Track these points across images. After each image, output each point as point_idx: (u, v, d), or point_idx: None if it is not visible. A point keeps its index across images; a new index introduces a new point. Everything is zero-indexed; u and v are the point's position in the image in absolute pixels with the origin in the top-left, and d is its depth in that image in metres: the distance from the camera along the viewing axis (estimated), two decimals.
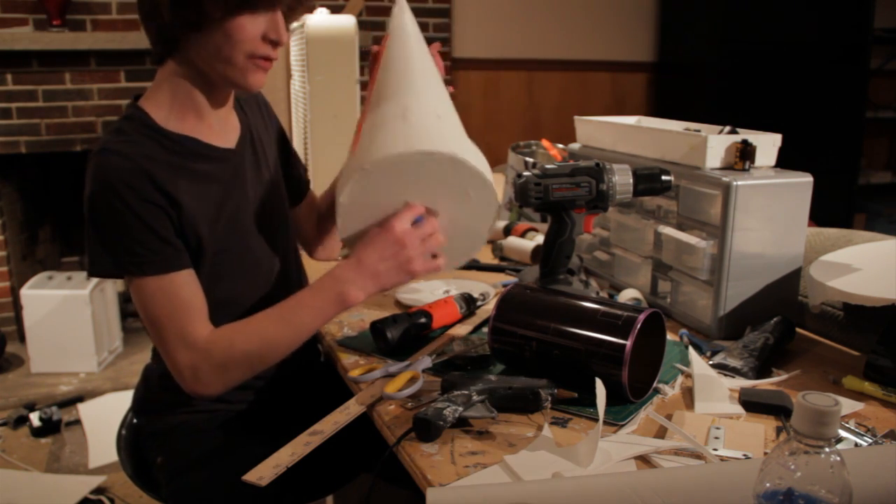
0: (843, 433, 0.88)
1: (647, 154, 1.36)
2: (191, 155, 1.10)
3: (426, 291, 1.40)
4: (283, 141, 1.32)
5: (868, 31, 3.86)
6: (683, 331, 1.22)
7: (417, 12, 4.04)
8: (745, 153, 1.19)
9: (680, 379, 1.06)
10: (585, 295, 1.12)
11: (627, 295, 1.33)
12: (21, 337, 3.09)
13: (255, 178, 1.19)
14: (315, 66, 1.90)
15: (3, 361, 3.00)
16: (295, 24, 2.10)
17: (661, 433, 0.90)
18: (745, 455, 0.84)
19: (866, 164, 4.41)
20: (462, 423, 0.91)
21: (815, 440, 0.56)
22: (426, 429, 0.87)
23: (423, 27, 3.58)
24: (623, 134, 1.45)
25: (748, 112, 3.66)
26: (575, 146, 1.57)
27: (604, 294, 1.34)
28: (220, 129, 1.15)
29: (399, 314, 1.18)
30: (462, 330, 1.23)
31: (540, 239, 1.62)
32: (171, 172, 1.05)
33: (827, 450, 0.56)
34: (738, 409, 0.96)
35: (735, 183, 1.14)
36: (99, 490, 2.21)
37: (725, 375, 1.06)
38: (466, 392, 0.91)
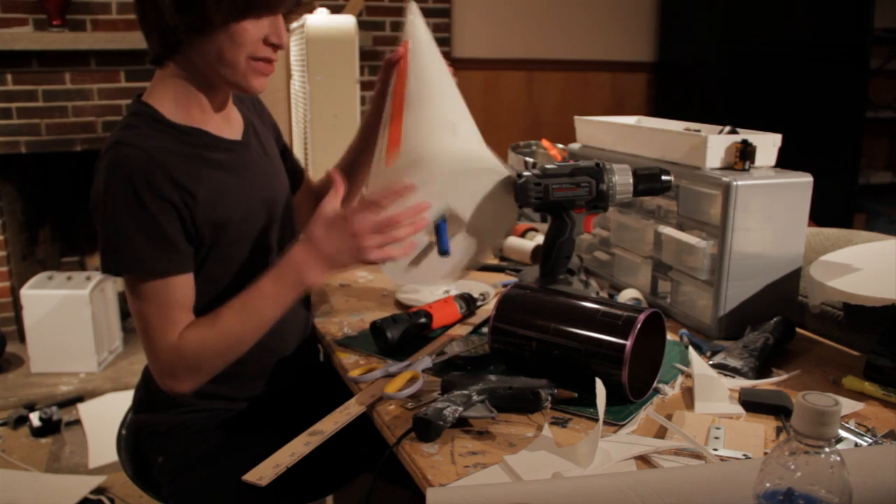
0: (843, 433, 0.88)
1: (647, 154, 1.36)
2: (203, 145, 1.11)
3: (426, 291, 1.40)
4: (277, 133, 1.34)
5: (868, 31, 3.86)
6: (683, 331, 1.22)
7: None
8: (745, 153, 1.19)
9: (680, 379, 1.06)
10: (585, 295, 1.12)
11: (627, 295, 1.33)
12: (21, 337, 3.09)
13: (260, 167, 1.21)
14: (315, 66, 1.90)
15: (3, 361, 3.00)
16: (295, 24, 2.10)
17: (661, 433, 0.90)
18: (745, 455, 0.84)
19: (866, 164, 4.40)
20: (462, 423, 0.91)
21: (815, 440, 0.56)
22: (426, 429, 0.87)
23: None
24: (623, 134, 1.45)
25: (748, 112, 3.66)
26: (575, 146, 1.57)
27: (604, 294, 1.34)
28: (225, 122, 1.17)
29: (399, 314, 1.18)
30: (462, 330, 1.23)
31: (540, 239, 1.62)
32: (186, 163, 1.06)
33: (827, 450, 0.56)
34: (738, 409, 0.96)
35: (735, 183, 1.14)
36: (99, 490, 2.21)
37: (725, 375, 1.06)
38: (466, 392, 0.91)
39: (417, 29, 1.13)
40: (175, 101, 1.10)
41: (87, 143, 3.07)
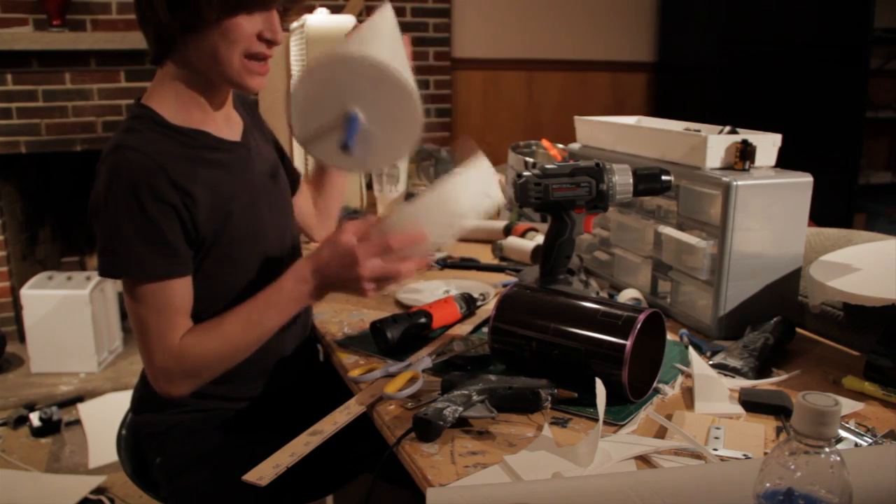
0: (843, 433, 0.88)
1: (647, 154, 1.36)
2: (204, 147, 1.11)
3: (426, 291, 1.40)
4: (272, 136, 1.34)
5: (868, 31, 3.86)
6: (683, 331, 1.22)
7: (417, 12, 4.02)
8: (745, 153, 1.19)
9: (680, 379, 1.06)
10: (585, 295, 1.12)
11: (627, 295, 1.33)
12: (21, 337, 3.09)
13: (260, 168, 1.21)
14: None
15: (3, 361, 3.00)
16: (295, 24, 2.10)
17: (661, 433, 0.90)
18: (745, 455, 0.84)
19: (866, 164, 4.40)
20: (462, 423, 0.91)
21: (815, 440, 0.56)
22: (426, 429, 0.87)
23: (423, 27, 3.60)
24: (623, 134, 1.45)
25: (748, 112, 3.66)
26: (575, 146, 1.57)
27: (604, 294, 1.34)
28: (225, 123, 1.18)
29: (399, 314, 1.18)
30: (462, 330, 1.23)
31: (540, 239, 1.62)
32: (187, 165, 1.06)
33: (827, 450, 0.56)
34: (738, 409, 0.96)
35: (735, 183, 1.14)
36: (99, 490, 2.21)
37: (725, 375, 1.06)
38: (466, 392, 0.91)
39: (385, 13, 1.15)
40: (175, 103, 1.10)
41: (87, 143, 3.07)
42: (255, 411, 1.22)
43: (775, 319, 1.15)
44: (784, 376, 1.06)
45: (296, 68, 2.11)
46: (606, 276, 1.49)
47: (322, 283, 1.07)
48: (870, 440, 0.87)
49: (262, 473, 0.87)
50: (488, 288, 1.40)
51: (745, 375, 1.05)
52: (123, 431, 1.34)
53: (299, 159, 2.16)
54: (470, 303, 1.27)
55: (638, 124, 1.50)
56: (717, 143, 1.21)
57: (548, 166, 1.13)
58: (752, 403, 0.96)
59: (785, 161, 1.24)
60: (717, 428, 0.90)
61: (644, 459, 0.84)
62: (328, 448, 0.96)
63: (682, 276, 1.27)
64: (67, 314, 2.85)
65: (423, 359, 1.07)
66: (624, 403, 0.96)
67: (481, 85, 3.81)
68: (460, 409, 0.89)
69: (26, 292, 2.85)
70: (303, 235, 1.42)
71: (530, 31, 3.84)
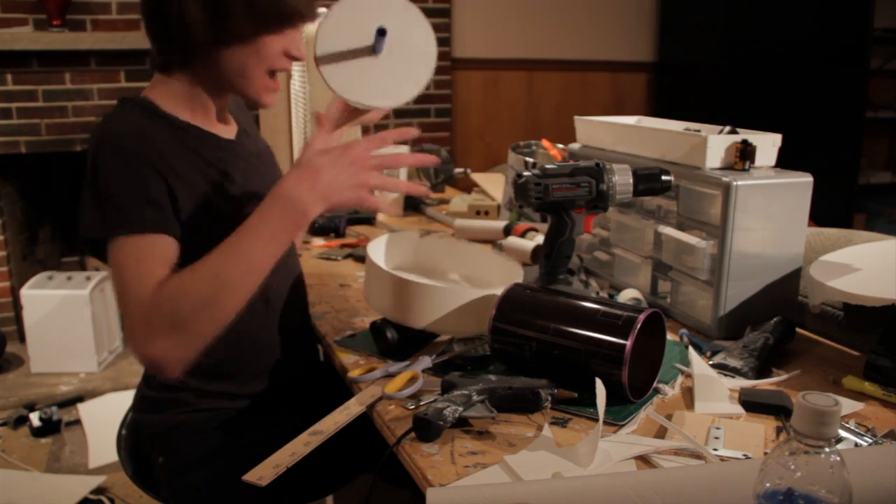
0: (843, 433, 0.88)
1: (647, 154, 1.36)
2: (197, 141, 1.12)
3: None
4: (261, 138, 1.35)
5: (868, 31, 3.86)
6: (683, 331, 1.22)
7: None
8: (745, 153, 1.19)
9: (680, 379, 1.06)
10: (585, 295, 1.12)
11: (627, 295, 1.33)
12: (21, 337, 3.09)
13: (253, 167, 1.21)
14: (315, 66, 1.90)
15: (3, 361, 3.00)
16: None
17: (661, 433, 0.90)
18: (745, 455, 0.84)
19: (866, 164, 4.40)
20: (462, 423, 0.91)
21: (815, 440, 0.56)
22: (426, 429, 0.87)
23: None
24: (623, 134, 1.45)
25: (748, 112, 3.66)
26: (575, 146, 1.57)
27: (604, 294, 1.34)
28: (221, 123, 1.19)
29: None
30: None
31: (540, 239, 1.62)
32: (175, 151, 1.07)
33: (827, 450, 0.56)
34: (738, 409, 0.96)
35: (735, 183, 1.14)
36: (99, 490, 2.21)
37: (725, 375, 1.06)
38: (466, 392, 0.91)
39: None
40: (176, 101, 1.11)
41: (87, 143, 3.06)
42: (256, 411, 1.22)
43: (775, 319, 1.15)
44: (784, 376, 1.06)
45: (296, 68, 2.12)
46: (606, 276, 1.49)
47: (315, 189, 0.97)
48: (870, 440, 0.87)
49: (262, 473, 0.87)
50: None
51: (745, 375, 1.05)
52: (123, 431, 1.34)
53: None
54: None
55: (638, 124, 1.50)
56: (717, 143, 1.21)
57: (548, 166, 1.13)
58: (752, 403, 0.96)
59: (785, 161, 1.24)
60: (717, 428, 0.90)
61: (644, 459, 0.84)
62: (328, 448, 0.96)
63: (682, 276, 1.27)
64: (67, 314, 2.85)
65: (423, 359, 1.07)
66: (624, 403, 0.96)
67: (481, 85, 3.81)
68: (460, 409, 0.89)
69: (26, 292, 2.85)
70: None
71: (530, 31, 3.84)
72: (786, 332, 1.15)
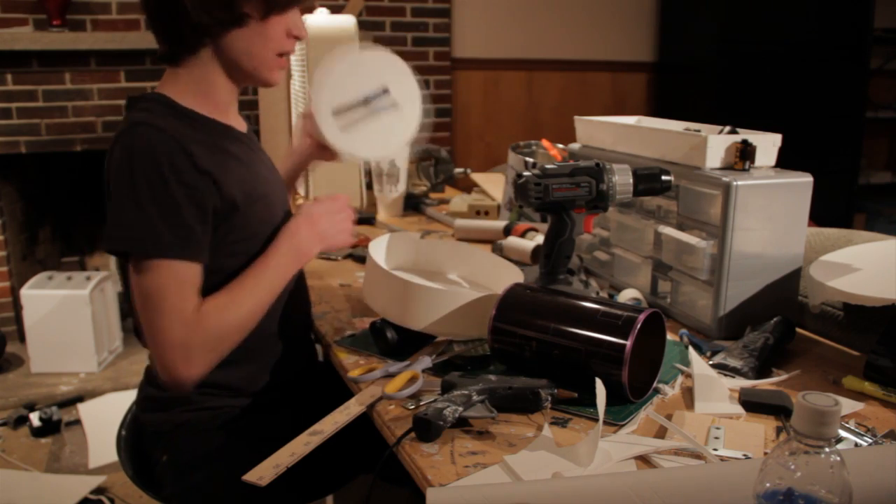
0: (843, 433, 0.88)
1: (647, 154, 1.36)
2: (218, 134, 1.14)
3: None
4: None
5: (868, 31, 3.86)
6: (683, 331, 1.22)
7: (417, 12, 4.02)
8: (745, 153, 1.19)
9: (680, 379, 1.06)
10: (585, 295, 1.12)
11: (627, 295, 1.33)
12: (21, 337, 3.09)
13: (262, 160, 1.24)
14: (315, 66, 1.90)
15: (3, 361, 3.00)
16: None
17: (661, 433, 0.90)
18: (745, 455, 0.84)
19: (866, 164, 4.40)
20: (462, 423, 0.91)
21: (815, 440, 0.56)
22: (426, 429, 0.87)
23: (423, 27, 3.60)
24: (623, 134, 1.45)
25: (748, 112, 3.66)
26: (575, 146, 1.57)
27: (604, 294, 1.34)
28: (235, 118, 1.21)
29: None
30: None
31: (540, 239, 1.62)
32: (205, 148, 1.08)
33: (827, 450, 0.56)
34: (738, 409, 0.96)
35: (735, 183, 1.14)
36: (99, 490, 2.21)
37: (725, 375, 1.06)
38: (466, 392, 0.91)
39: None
40: (189, 93, 1.13)
41: (87, 143, 3.07)
42: (257, 410, 1.22)
43: (775, 319, 1.15)
44: (784, 376, 1.06)
45: (295, 68, 2.11)
46: (606, 276, 1.49)
47: (315, 236, 1.16)
48: (870, 440, 0.87)
49: (262, 473, 0.87)
50: None
51: (745, 375, 1.05)
52: (123, 431, 1.33)
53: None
54: None
55: (638, 124, 1.50)
56: (717, 143, 1.21)
57: (548, 166, 1.13)
58: (752, 403, 0.96)
59: (785, 161, 1.24)
60: (717, 428, 0.90)
61: (644, 459, 0.84)
62: (328, 448, 0.96)
63: (682, 276, 1.27)
64: (67, 314, 2.85)
65: (423, 359, 1.07)
66: (624, 403, 0.96)
67: (481, 85, 3.81)
68: (460, 409, 0.89)
69: (26, 292, 2.85)
70: None
71: (530, 31, 3.84)
72: (786, 332, 1.15)
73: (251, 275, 1.10)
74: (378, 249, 1.31)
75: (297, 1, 1.11)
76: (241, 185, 1.11)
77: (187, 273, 1.04)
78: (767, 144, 1.22)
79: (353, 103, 1.26)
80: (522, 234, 1.69)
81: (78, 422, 2.64)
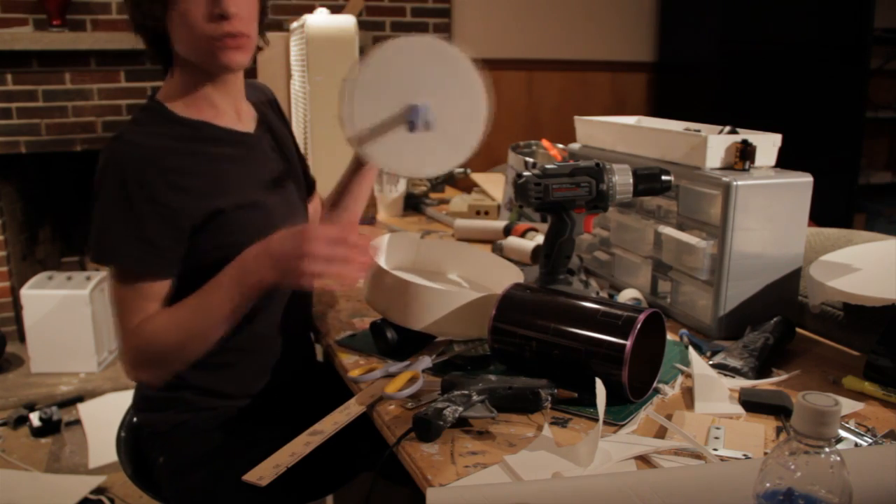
0: (843, 433, 0.88)
1: (647, 154, 1.36)
2: (208, 139, 1.13)
3: None
4: (294, 138, 1.36)
5: (868, 31, 3.86)
6: (683, 331, 1.22)
7: (417, 12, 4.01)
8: (745, 153, 1.19)
9: (680, 379, 1.06)
10: (585, 295, 1.12)
11: (627, 295, 1.33)
12: (21, 337, 3.09)
13: (275, 163, 1.22)
14: (315, 66, 1.90)
15: (3, 361, 3.00)
16: (295, 24, 2.10)
17: (661, 433, 0.90)
18: (745, 455, 0.84)
19: (866, 164, 4.40)
20: (462, 423, 0.91)
21: (815, 440, 0.56)
22: (426, 429, 0.87)
23: (423, 27, 3.59)
24: (623, 134, 1.45)
25: (748, 112, 3.66)
26: (575, 146, 1.57)
27: (604, 294, 1.34)
28: (235, 115, 1.19)
29: None
30: None
31: (540, 239, 1.62)
32: (183, 159, 1.08)
33: (827, 450, 0.56)
34: (738, 409, 0.96)
35: (735, 183, 1.14)
36: (99, 490, 2.21)
37: (725, 375, 1.06)
38: (466, 392, 0.91)
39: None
40: (183, 97, 1.13)
41: (87, 143, 3.07)
42: (256, 411, 1.22)
43: (775, 319, 1.15)
44: (784, 376, 1.06)
45: (296, 68, 2.11)
46: (606, 276, 1.49)
47: (266, 262, 1.02)
48: (870, 440, 0.87)
49: (263, 473, 0.87)
50: None
51: (745, 375, 1.05)
52: (123, 433, 1.33)
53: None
54: None
55: (638, 124, 1.50)
56: (717, 143, 1.21)
57: (548, 166, 1.13)
58: (752, 403, 0.96)
59: (785, 161, 1.24)
60: (717, 428, 0.90)
61: (644, 459, 0.84)
62: (328, 448, 0.96)
63: (682, 276, 1.27)
64: (67, 314, 2.85)
65: (423, 359, 1.07)
66: (624, 403, 0.96)
67: None
68: (460, 409, 0.89)
69: (26, 292, 2.85)
70: None
71: (530, 31, 3.84)
72: (786, 332, 1.15)
73: (196, 294, 1.07)
74: (378, 249, 1.31)
75: None
76: (227, 193, 1.11)
77: (142, 288, 1.07)
78: (767, 144, 1.22)
79: (386, 118, 1.10)
80: (522, 234, 1.69)
81: (78, 422, 2.64)
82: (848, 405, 0.97)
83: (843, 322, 1.23)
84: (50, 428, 2.56)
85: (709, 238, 1.20)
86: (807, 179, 1.19)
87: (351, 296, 1.43)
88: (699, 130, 1.33)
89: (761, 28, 3.71)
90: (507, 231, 1.75)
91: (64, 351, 2.89)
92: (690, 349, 1.12)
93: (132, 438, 1.31)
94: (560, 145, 2.00)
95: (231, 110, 1.18)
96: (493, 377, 0.96)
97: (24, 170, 3.23)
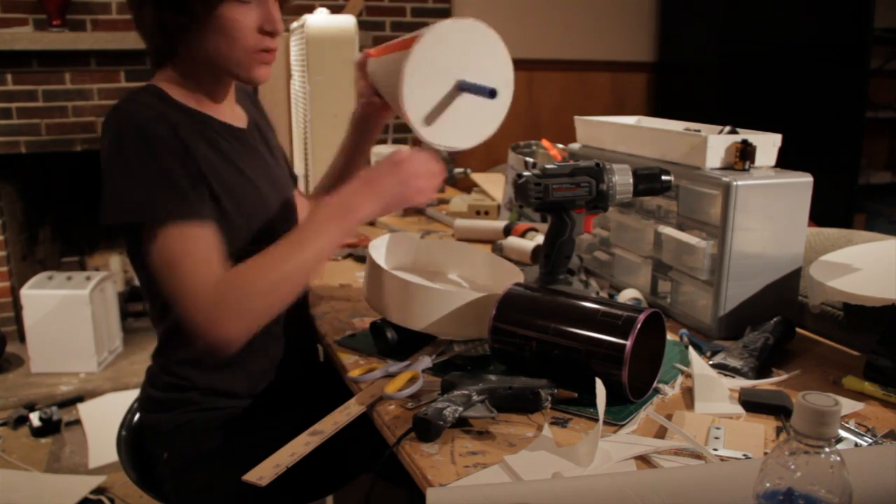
0: (843, 433, 0.88)
1: (647, 154, 1.36)
2: (209, 128, 1.13)
3: None
4: (275, 131, 1.36)
5: (868, 31, 3.86)
6: (683, 331, 1.22)
7: (417, 12, 4.02)
8: (745, 153, 1.19)
9: (680, 379, 1.06)
10: (585, 295, 1.12)
11: (627, 295, 1.33)
12: (21, 337, 3.09)
13: (263, 158, 1.22)
14: (315, 66, 1.90)
15: (3, 361, 3.00)
16: (295, 24, 2.10)
17: (661, 433, 0.90)
18: (745, 455, 0.84)
19: (866, 164, 4.40)
20: (462, 423, 0.91)
21: (815, 440, 0.56)
22: (426, 429, 0.87)
23: (423, 27, 3.59)
24: (623, 134, 1.45)
25: (748, 112, 3.66)
26: (575, 146, 1.57)
27: (604, 294, 1.34)
28: (230, 113, 1.20)
29: None
30: None
31: (540, 239, 1.62)
32: (192, 133, 1.08)
33: (827, 450, 0.56)
34: (738, 409, 0.96)
35: (735, 183, 1.14)
36: (99, 490, 2.21)
37: (725, 375, 1.06)
38: (466, 392, 0.91)
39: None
40: (179, 88, 1.13)
41: (87, 143, 3.07)
42: (257, 411, 1.22)
43: (775, 319, 1.15)
44: (784, 376, 1.06)
45: (296, 68, 2.11)
46: (606, 276, 1.49)
47: (370, 196, 1.08)
48: (870, 440, 0.87)
49: (263, 473, 0.87)
50: None
51: (745, 375, 1.05)
52: (123, 432, 1.33)
53: (299, 157, 2.16)
54: None
55: (638, 124, 1.50)
56: (717, 143, 1.21)
57: (548, 166, 1.13)
58: (752, 403, 0.96)
59: (785, 161, 1.24)
60: (717, 428, 0.90)
61: (644, 459, 0.84)
62: (328, 448, 0.96)
63: (682, 276, 1.27)
64: (67, 314, 2.85)
65: (423, 359, 1.07)
66: (624, 403, 0.96)
67: None
68: (460, 409, 0.89)
69: (26, 292, 2.85)
70: None
71: (530, 31, 3.84)
72: (786, 332, 1.15)
73: (289, 235, 1.05)
74: (378, 249, 1.31)
75: None
76: (220, 181, 1.10)
77: (205, 233, 1.03)
78: (767, 144, 1.22)
79: (438, 97, 1.16)
80: (522, 234, 1.69)
81: (78, 422, 2.64)
82: (848, 405, 0.97)
83: (843, 322, 1.23)
84: (50, 428, 2.56)
85: (709, 238, 1.20)
86: (807, 179, 1.19)
87: (351, 296, 1.43)
88: (699, 130, 1.33)
89: (761, 28, 3.71)
90: (507, 231, 1.75)
91: (64, 351, 2.89)
92: (690, 349, 1.12)
93: (133, 438, 1.31)
94: (560, 145, 2.00)
95: (226, 109, 1.19)
96: (493, 377, 0.96)
97: (24, 170, 3.23)
